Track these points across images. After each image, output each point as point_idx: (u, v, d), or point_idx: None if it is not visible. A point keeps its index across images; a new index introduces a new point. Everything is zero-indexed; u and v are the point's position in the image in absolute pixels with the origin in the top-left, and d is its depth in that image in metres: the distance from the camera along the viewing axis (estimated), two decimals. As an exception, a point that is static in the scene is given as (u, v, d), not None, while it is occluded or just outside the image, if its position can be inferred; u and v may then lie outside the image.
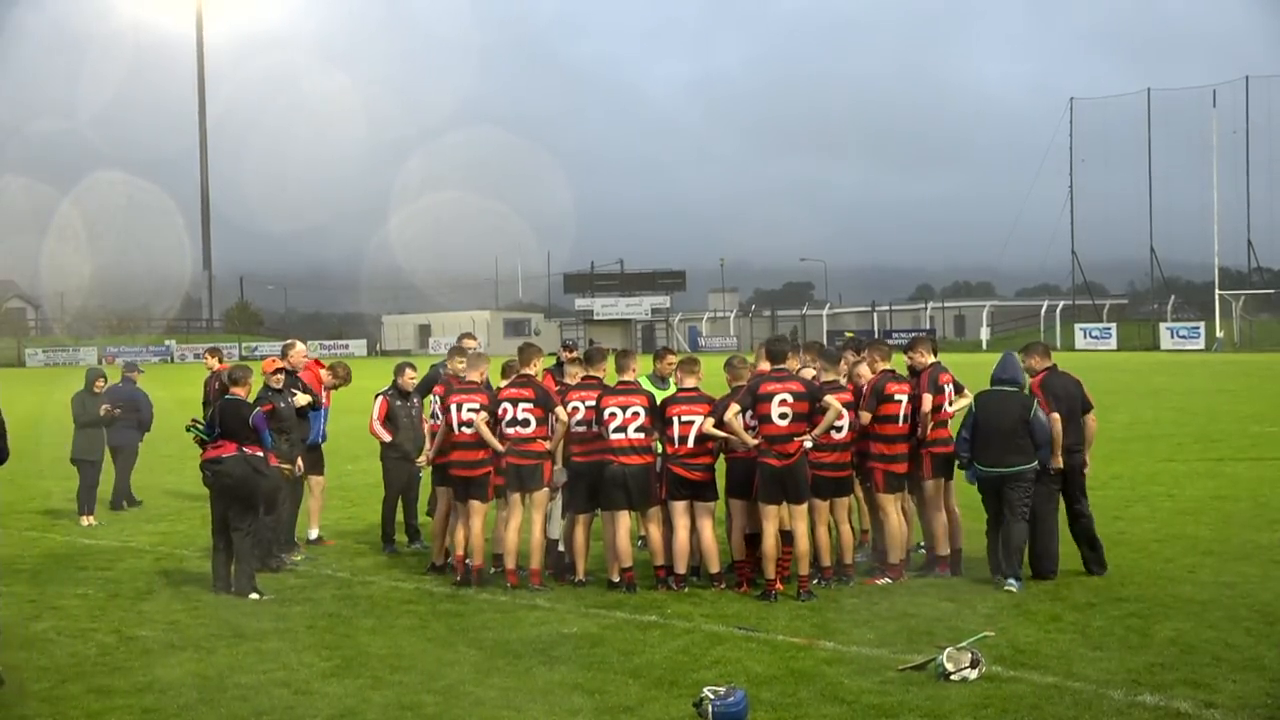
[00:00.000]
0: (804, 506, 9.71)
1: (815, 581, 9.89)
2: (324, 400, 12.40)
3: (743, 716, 6.69)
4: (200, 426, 10.35)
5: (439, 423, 10.64)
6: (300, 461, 11.55)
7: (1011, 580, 9.56)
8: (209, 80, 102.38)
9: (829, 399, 9.69)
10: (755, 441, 9.63)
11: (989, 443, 9.88)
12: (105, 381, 14.47)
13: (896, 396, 10.11)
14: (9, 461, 8.08)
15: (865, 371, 10.41)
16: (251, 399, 10.65)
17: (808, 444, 9.63)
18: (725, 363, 10.37)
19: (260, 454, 10.18)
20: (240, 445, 10.07)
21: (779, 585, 9.56)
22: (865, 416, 10.02)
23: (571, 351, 11.45)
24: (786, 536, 9.67)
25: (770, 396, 9.60)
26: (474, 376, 10.62)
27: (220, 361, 14.45)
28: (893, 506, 10.12)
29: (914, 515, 10.60)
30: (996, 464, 9.85)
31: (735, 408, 9.65)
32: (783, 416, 9.57)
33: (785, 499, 9.61)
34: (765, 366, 9.98)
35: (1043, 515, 9.87)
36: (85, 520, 13.81)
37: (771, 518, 9.63)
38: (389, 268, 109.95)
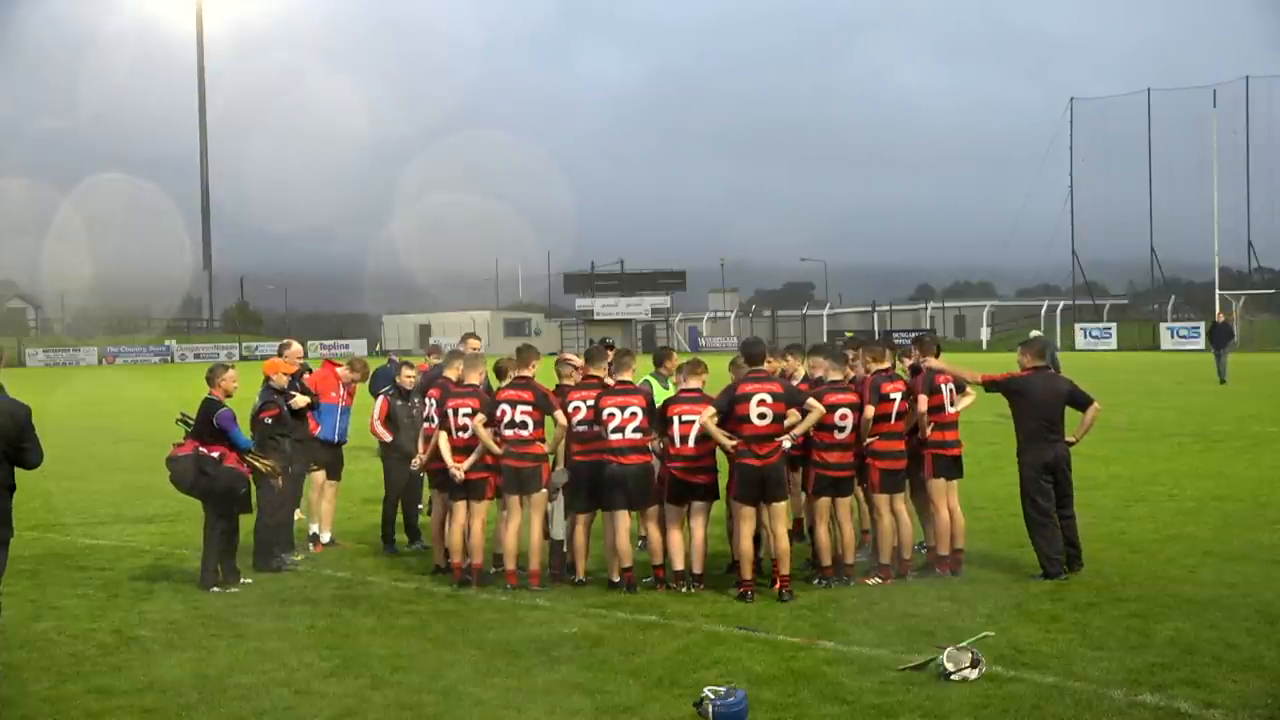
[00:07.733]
0: (783, 506, 9.75)
1: (815, 581, 9.92)
2: (346, 399, 12.52)
3: (743, 716, 6.69)
4: (190, 421, 10.40)
5: (433, 425, 10.65)
6: (315, 461, 11.75)
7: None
8: (209, 79, 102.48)
9: (811, 401, 9.73)
10: (733, 443, 9.66)
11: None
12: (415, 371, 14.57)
13: (891, 395, 10.13)
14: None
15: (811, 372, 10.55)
16: (258, 399, 11.01)
17: (786, 444, 9.66)
18: (731, 362, 10.42)
19: (215, 455, 10.11)
20: (199, 444, 10.15)
21: (753, 587, 9.57)
22: (870, 410, 10.03)
23: (612, 349, 11.27)
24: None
25: (749, 397, 9.62)
26: (472, 379, 10.62)
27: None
28: (885, 506, 10.14)
29: (914, 515, 10.61)
30: None
31: (710, 410, 9.68)
32: (761, 416, 9.60)
33: (763, 499, 9.65)
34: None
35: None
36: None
37: (748, 518, 9.67)
38: (389, 268, 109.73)
